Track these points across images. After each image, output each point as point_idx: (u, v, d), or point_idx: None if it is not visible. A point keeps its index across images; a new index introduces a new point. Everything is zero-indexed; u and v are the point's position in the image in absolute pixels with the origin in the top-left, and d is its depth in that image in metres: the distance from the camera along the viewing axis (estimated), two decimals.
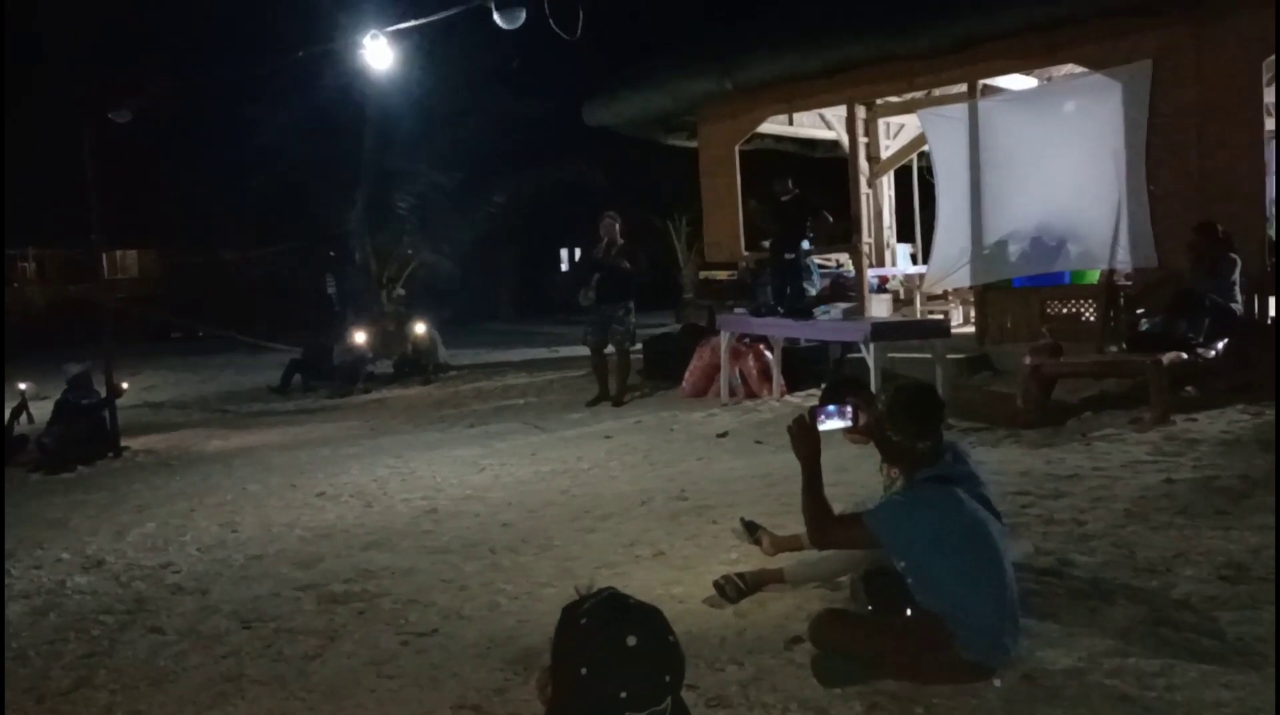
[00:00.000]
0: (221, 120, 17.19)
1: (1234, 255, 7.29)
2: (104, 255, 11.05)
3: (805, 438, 3.28)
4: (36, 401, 10.25)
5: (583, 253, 10.45)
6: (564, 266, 29.62)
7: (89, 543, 5.88)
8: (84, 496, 7.43)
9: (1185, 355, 6.82)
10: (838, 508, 3.37)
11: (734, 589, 3.92)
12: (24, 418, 9.82)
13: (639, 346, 11.61)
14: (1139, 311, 7.72)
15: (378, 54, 8.84)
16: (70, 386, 9.41)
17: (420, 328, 13.72)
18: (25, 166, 21.43)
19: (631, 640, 1.56)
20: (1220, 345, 7.00)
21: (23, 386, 10.23)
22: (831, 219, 9.54)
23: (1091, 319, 8.48)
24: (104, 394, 9.43)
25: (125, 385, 10.16)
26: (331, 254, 18.74)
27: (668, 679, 1.58)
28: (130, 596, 4.78)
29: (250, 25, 18.45)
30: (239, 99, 15.08)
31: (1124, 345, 7.49)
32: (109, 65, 20.59)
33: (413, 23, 8.74)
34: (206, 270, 26.18)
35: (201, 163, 20.15)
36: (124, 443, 9.43)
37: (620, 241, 9.60)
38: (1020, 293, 9.22)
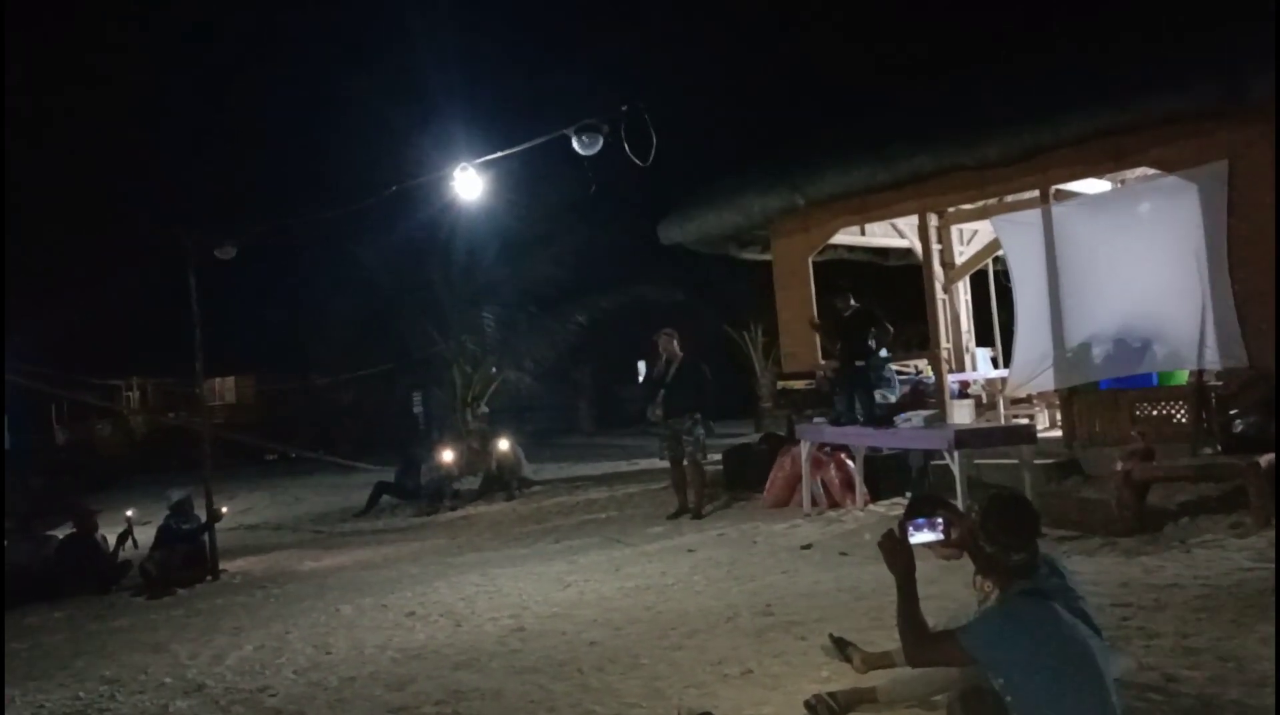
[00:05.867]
0: (316, 252, 18.01)
1: None
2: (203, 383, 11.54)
3: (898, 553, 3.26)
4: (140, 526, 10.63)
5: (646, 370, 10.74)
6: (640, 379, 29.99)
7: (189, 666, 6.03)
8: (185, 620, 7.64)
9: None
10: (930, 623, 3.34)
11: (826, 709, 3.86)
12: (129, 544, 10.19)
13: (718, 457, 11.65)
14: (1232, 412, 7.54)
15: (467, 185, 9.27)
16: (172, 512, 9.79)
17: (504, 444, 13.97)
18: (130, 301, 22.78)
19: None
20: None
21: (129, 513, 10.63)
22: (892, 329, 9.58)
23: (1183, 421, 8.29)
24: (204, 519, 9.77)
25: (225, 510, 10.49)
26: (420, 375, 19.26)
27: None
28: None
29: (347, 162, 19.52)
30: (334, 232, 15.82)
31: (1219, 447, 7.30)
32: (212, 204, 21.99)
33: (499, 154, 9.15)
34: (299, 395, 27.14)
35: (296, 292, 21.09)
36: (221, 565, 9.72)
37: (679, 355, 9.88)
38: (1108, 395, 9.08)
